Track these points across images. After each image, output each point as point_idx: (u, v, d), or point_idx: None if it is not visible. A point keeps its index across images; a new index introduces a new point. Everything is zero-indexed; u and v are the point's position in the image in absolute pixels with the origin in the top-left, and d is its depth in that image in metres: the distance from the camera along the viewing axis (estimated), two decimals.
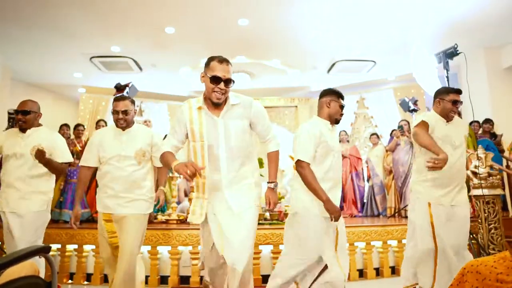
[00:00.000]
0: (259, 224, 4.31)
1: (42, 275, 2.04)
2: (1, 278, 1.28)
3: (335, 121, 2.73)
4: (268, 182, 2.37)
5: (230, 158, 2.18)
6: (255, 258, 3.86)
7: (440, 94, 2.92)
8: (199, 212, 2.24)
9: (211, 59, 2.15)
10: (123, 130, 2.91)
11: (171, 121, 9.19)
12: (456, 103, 2.83)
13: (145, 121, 7.08)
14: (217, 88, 2.08)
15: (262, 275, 3.96)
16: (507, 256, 1.38)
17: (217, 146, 2.16)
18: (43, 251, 1.32)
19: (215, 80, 2.07)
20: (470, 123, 5.67)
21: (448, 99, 2.83)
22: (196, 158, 2.20)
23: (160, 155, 2.23)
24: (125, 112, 2.88)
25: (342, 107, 2.74)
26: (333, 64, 7.27)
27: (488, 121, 5.91)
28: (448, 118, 2.85)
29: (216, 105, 2.16)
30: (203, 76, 2.17)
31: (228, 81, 2.09)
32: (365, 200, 6.96)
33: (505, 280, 1.28)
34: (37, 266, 1.49)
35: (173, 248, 3.96)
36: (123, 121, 2.87)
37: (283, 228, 4.07)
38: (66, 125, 5.94)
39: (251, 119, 2.25)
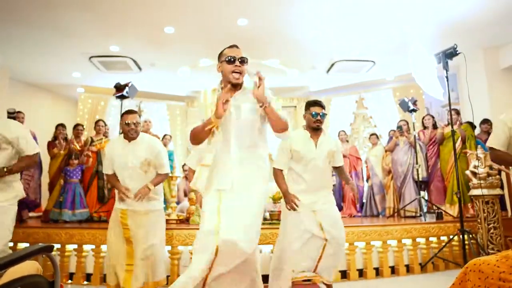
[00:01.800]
0: None
1: None
2: (4, 277, 1.28)
3: (313, 129, 3.10)
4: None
5: (240, 136, 2.25)
6: None
7: None
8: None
9: (222, 51, 2.32)
10: (130, 141, 3.21)
11: (171, 121, 9.19)
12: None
13: (145, 121, 7.07)
14: (234, 66, 2.21)
15: (261, 275, 3.95)
16: (510, 255, 1.38)
17: (227, 123, 2.24)
18: (45, 250, 1.32)
19: (231, 60, 2.21)
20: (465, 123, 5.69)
21: None
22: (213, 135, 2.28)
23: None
24: (136, 124, 3.18)
25: (313, 115, 3.05)
26: (332, 64, 7.27)
27: (486, 121, 5.92)
28: None
29: (234, 87, 2.27)
30: (219, 66, 2.30)
31: (242, 60, 2.23)
32: (364, 200, 6.97)
33: (508, 279, 1.28)
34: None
35: (173, 248, 3.96)
36: (135, 132, 3.16)
37: None
38: (62, 125, 5.93)
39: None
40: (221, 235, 2.00)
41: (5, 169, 2.78)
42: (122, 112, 3.39)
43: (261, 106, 2.15)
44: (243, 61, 2.24)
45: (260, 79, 2.09)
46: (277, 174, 3.08)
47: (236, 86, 2.27)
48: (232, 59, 2.21)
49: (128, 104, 8.34)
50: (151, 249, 3.20)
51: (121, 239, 3.18)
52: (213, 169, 2.33)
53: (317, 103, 3.08)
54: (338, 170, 3.31)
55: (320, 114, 3.03)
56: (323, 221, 3.02)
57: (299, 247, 2.98)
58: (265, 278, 3.98)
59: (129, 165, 3.14)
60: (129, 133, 3.14)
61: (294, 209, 2.90)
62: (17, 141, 2.83)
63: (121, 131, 3.37)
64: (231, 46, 2.30)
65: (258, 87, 2.10)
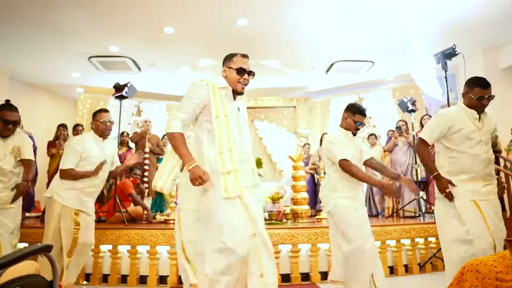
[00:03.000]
0: None
1: None
2: (3, 277, 1.28)
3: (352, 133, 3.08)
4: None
5: (245, 140, 2.31)
6: None
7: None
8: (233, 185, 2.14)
9: (233, 55, 2.33)
10: (104, 139, 3.42)
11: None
12: (481, 98, 2.72)
13: (145, 121, 7.05)
14: (243, 79, 2.26)
15: None
16: (507, 255, 1.38)
17: (238, 126, 2.28)
18: (44, 250, 1.32)
19: (241, 71, 2.25)
20: None
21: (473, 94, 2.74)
22: (220, 135, 2.16)
23: (169, 133, 2.16)
24: (112, 123, 3.40)
25: (357, 124, 3.03)
26: (332, 65, 7.28)
27: None
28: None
29: (235, 93, 2.32)
30: (225, 70, 2.30)
31: (251, 73, 2.30)
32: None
33: (504, 278, 1.28)
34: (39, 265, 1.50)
35: (172, 248, 3.95)
36: (110, 130, 3.39)
37: (282, 228, 4.11)
38: (63, 125, 5.93)
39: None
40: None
41: (29, 184, 3.13)
42: (95, 111, 3.46)
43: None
44: (252, 74, 2.30)
45: None
46: (351, 165, 2.87)
47: (237, 94, 2.32)
48: (242, 70, 2.25)
49: (127, 104, 8.39)
50: None
51: None
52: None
53: (363, 113, 3.05)
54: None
55: (362, 124, 3.06)
56: None
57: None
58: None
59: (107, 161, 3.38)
60: (105, 131, 3.34)
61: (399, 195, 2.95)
62: (23, 149, 3.19)
63: (93, 127, 3.42)
64: (243, 56, 2.32)
65: None
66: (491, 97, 2.74)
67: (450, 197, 2.68)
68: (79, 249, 3.22)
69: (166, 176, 2.45)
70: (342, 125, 3.11)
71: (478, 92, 2.72)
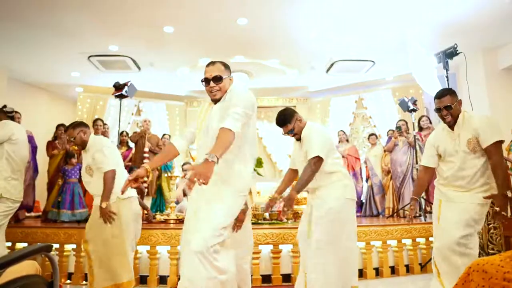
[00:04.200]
0: (258, 224, 4.31)
1: None
2: (3, 277, 1.26)
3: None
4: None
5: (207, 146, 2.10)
6: (255, 258, 3.85)
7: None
8: None
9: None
10: None
11: (170, 120, 9.16)
12: (438, 110, 2.74)
13: (145, 121, 7.03)
14: (208, 87, 2.26)
15: (261, 275, 3.95)
16: None
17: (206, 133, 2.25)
18: (44, 250, 1.30)
19: (205, 81, 2.27)
20: None
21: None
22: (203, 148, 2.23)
23: (231, 131, 1.97)
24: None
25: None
26: (332, 64, 7.26)
27: None
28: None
29: (215, 102, 2.31)
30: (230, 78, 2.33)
31: (214, 79, 2.23)
32: (363, 200, 6.96)
33: None
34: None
35: (172, 247, 3.94)
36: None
37: (282, 228, 4.10)
38: (63, 125, 5.91)
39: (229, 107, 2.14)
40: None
41: None
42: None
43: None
44: (215, 80, 2.22)
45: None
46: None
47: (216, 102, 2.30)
48: (205, 80, 2.25)
49: (127, 104, 8.37)
50: None
51: None
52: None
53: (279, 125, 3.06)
54: None
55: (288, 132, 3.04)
56: None
57: None
58: (265, 278, 3.98)
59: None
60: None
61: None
62: None
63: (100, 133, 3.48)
64: (208, 64, 2.31)
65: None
66: (447, 107, 2.68)
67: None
68: None
69: None
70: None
71: (435, 104, 2.77)
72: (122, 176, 3.11)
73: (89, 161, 3.10)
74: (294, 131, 2.93)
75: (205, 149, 2.09)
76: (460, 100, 2.75)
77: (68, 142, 5.82)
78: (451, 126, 2.74)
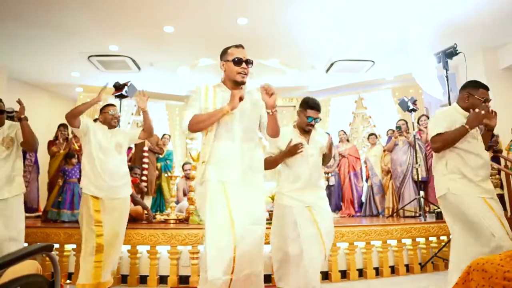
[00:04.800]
0: None
1: None
2: (3, 277, 1.26)
3: (303, 130, 2.95)
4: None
5: (242, 131, 2.28)
6: None
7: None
8: None
9: (227, 48, 2.33)
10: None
11: (170, 120, 9.16)
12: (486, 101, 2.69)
13: None
14: (241, 68, 2.24)
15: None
16: None
17: (231, 118, 2.26)
18: (45, 249, 1.30)
19: (238, 61, 2.24)
20: None
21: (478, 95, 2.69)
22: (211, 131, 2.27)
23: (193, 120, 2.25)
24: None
25: (309, 119, 2.88)
26: (332, 64, 7.26)
27: None
28: None
29: (237, 85, 2.31)
30: (223, 65, 2.31)
31: (248, 62, 2.27)
32: (363, 200, 6.97)
33: None
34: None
35: (172, 247, 3.94)
36: (117, 121, 3.54)
37: None
38: (64, 125, 5.91)
39: (261, 112, 2.37)
40: (237, 231, 2.02)
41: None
42: (102, 106, 3.65)
43: (269, 113, 2.22)
44: (249, 62, 2.27)
45: (272, 92, 2.14)
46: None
47: (239, 84, 2.31)
48: (239, 61, 2.23)
49: (127, 104, 8.36)
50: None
51: None
52: (212, 161, 2.24)
53: (314, 107, 2.88)
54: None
55: (315, 119, 2.89)
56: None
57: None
58: (267, 278, 3.97)
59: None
60: (112, 121, 3.47)
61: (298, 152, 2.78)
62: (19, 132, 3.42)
63: (100, 120, 3.57)
64: (237, 46, 2.30)
65: (270, 95, 2.14)
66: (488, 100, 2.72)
67: None
68: None
69: None
70: (296, 123, 3.03)
71: (485, 95, 2.71)
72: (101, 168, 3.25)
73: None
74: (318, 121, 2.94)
75: (239, 132, 2.25)
76: None
77: (71, 143, 5.82)
78: None
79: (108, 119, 3.48)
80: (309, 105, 2.89)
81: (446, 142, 2.60)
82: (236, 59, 2.24)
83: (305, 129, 2.93)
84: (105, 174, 3.24)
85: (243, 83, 2.31)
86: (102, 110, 3.55)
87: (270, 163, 2.87)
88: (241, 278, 2.03)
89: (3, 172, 3.15)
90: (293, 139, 2.87)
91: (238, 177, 2.19)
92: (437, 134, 2.61)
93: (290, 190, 2.88)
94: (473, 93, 2.72)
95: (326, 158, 3.02)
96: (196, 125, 2.23)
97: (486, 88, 2.74)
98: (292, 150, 2.79)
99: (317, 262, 2.74)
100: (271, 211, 4.85)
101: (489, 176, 2.67)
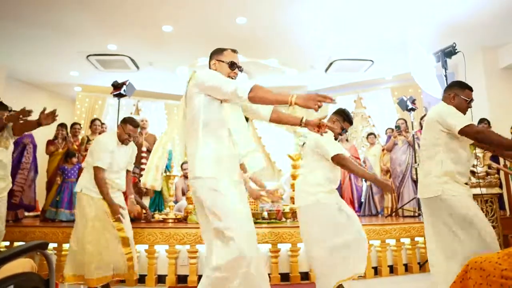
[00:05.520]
0: (256, 223, 4.31)
1: None
2: None
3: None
4: None
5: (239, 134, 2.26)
6: None
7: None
8: None
9: (223, 49, 2.35)
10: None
11: (169, 120, 9.13)
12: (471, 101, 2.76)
13: (142, 120, 6.98)
14: (233, 73, 2.29)
15: None
16: None
17: (229, 120, 2.22)
18: (40, 247, 1.29)
19: (233, 65, 2.29)
20: None
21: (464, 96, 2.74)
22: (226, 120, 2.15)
23: (252, 89, 1.99)
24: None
25: (343, 129, 3.28)
26: (331, 64, 7.26)
27: (482, 120, 5.91)
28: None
29: None
30: (214, 64, 2.31)
31: (240, 68, 2.34)
32: (362, 200, 6.96)
33: (510, 276, 1.26)
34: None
35: (170, 247, 3.93)
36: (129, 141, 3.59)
37: (281, 227, 4.09)
38: (63, 124, 5.90)
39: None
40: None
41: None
42: (127, 118, 3.60)
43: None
44: (241, 70, 2.35)
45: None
46: (346, 159, 2.98)
47: None
48: (234, 65, 2.29)
49: (125, 103, 8.35)
50: None
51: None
52: (221, 160, 2.12)
53: (352, 123, 3.35)
54: None
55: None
56: None
57: None
58: None
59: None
60: (124, 141, 3.50)
61: (393, 191, 3.03)
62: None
63: (119, 132, 3.53)
64: (234, 51, 2.36)
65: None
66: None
67: None
68: None
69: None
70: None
71: (470, 96, 2.78)
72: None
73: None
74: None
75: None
76: None
77: (69, 142, 5.81)
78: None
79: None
80: (349, 119, 3.25)
81: (489, 140, 2.55)
82: (231, 62, 2.28)
83: (335, 137, 3.16)
84: None
85: None
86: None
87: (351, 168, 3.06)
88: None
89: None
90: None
91: (238, 176, 2.24)
92: (470, 125, 2.52)
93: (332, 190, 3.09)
94: (459, 94, 2.76)
95: None
96: (263, 96, 2.01)
97: (471, 89, 2.81)
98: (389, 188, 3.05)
99: None
100: (271, 210, 4.86)
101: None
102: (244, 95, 1.98)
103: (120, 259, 3.27)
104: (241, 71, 2.34)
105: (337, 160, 2.93)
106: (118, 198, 3.42)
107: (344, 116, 3.22)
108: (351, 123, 3.22)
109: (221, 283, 1.93)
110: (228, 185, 2.09)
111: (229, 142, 2.13)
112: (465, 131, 2.51)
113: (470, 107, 2.81)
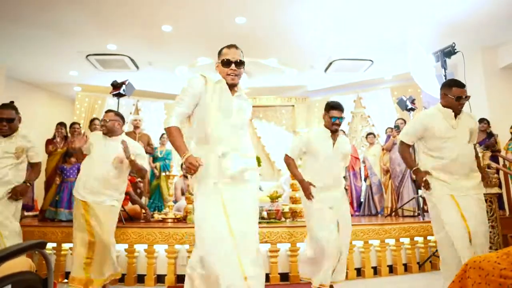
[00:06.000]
0: None
1: None
2: None
3: (331, 130, 3.23)
4: None
5: (236, 134, 2.25)
6: None
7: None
8: None
9: (221, 48, 2.33)
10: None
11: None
12: (460, 98, 2.80)
13: (135, 120, 6.91)
14: (230, 70, 2.22)
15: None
16: (511, 252, 1.36)
17: (228, 120, 2.22)
18: (38, 246, 1.29)
19: (227, 63, 2.23)
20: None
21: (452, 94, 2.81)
22: (207, 126, 2.18)
23: (166, 128, 2.20)
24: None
25: (333, 119, 3.18)
26: (330, 63, 7.26)
27: (482, 120, 5.91)
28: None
29: (230, 87, 2.27)
30: (217, 66, 2.31)
31: (238, 63, 2.24)
32: (362, 199, 6.96)
33: (508, 275, 1.26)
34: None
35: (170, 246, 3.93)
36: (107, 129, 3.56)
37: (281, 227, 4.08)
38: (62, 124, 5.89)
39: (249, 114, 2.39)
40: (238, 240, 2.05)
41: (28, 184, 3.19)
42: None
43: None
44: (240, 63, 2.24)
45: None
46: (290, 162, 3.28)
47: (232, 86, 2.28)
48: (227, 62, 2.23)
49: (125, 103, 8.34)
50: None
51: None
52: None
53: (336, 108, 3.18)
54: None
55: (340, 118, 3.18)
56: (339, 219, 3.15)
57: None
58: (265, 276, 3.96)
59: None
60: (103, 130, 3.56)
61: (310, 199, 3.08)
62: (32, 153, 3.31)
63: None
64: (229, 47, 2.29)
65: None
66: (467, 97, 2.84)
67: (427, 186, 2.82)
68: None
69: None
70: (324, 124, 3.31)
71: (459, 93, 2.80)
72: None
73: None
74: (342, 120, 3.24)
75: (226, 132, 2.18)
76: None
77: (69, 142, 5.80)
78: (457, 114, 2.85)
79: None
80: (331, 106, 3.21)
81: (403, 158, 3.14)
82: (225, 60, 2.23)
83: (332, 130, 3.19)
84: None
85: (233, 85, 2.27)
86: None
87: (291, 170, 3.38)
88: None
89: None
90: (324, 139, 3.20)
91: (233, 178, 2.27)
92: (401, 142, 3.02)
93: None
94: (447, 93, 2.84)
95: None
96: (169, 136, 2.19)
97: (460, 85, 2.82)
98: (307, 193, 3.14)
99: None
100: (270, 210, 4.86)
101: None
102: (165, 126, 2.22)
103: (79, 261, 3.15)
104: (241, 65, 2.25)
105: (284, 158, 3.31)
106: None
107: (327, 107, 3.24)
108: (336, 108, 3.19)
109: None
110: (204, 192, 2.13)
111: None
112: (400, 143, 3.08)
113: (463, 103, 2.84)
